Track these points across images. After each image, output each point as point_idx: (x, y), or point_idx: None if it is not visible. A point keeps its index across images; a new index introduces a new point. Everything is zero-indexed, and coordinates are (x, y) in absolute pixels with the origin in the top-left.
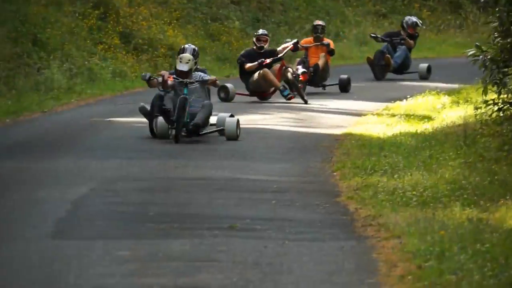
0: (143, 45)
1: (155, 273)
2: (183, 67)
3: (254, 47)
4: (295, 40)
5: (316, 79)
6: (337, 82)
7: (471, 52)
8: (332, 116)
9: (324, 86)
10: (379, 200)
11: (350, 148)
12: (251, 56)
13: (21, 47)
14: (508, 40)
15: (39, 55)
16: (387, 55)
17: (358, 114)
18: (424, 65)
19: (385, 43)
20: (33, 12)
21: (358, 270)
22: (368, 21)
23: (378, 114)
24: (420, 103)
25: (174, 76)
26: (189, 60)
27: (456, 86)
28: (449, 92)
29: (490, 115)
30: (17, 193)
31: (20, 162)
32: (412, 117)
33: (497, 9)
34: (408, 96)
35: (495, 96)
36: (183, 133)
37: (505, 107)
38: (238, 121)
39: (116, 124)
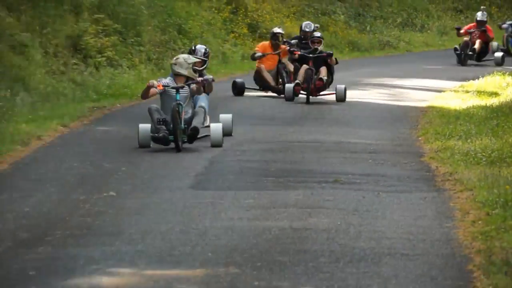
0: (266, 34)
1: (274, 217)
2: (182, 71)
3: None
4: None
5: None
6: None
7: None
8: (418, 92)
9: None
10: (455, 160)
11: (432, 118)
12: (305, 57)
13: (169, 35)
14: None
15: (182, 41)
16: None
17: (439, 91)
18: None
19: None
20: (178, 7)
21: (438, 216)
22: (448, 15)
23: (455, 91)
24: (489, 82)
25: (163, 83)
26: (188, 64)
27: None
28: None
29: None
30: (165, 154)
31: None
32: (482, 93)
33: None
34: (480, 76)
35: None
36: (183, 140)
37: None
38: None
39: (246, 97)
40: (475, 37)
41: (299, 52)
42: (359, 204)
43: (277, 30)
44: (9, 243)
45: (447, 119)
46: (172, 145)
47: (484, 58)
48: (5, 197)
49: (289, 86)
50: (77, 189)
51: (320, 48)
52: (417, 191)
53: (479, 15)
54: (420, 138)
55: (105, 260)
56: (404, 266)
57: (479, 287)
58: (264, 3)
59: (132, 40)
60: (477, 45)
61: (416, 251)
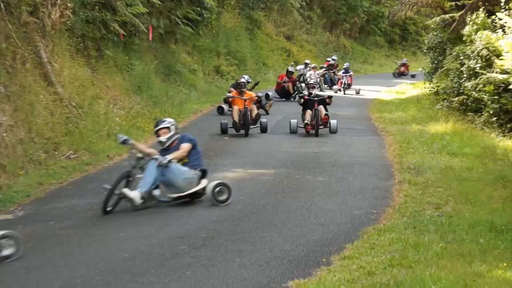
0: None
1: (305, 147)
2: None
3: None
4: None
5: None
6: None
7: (420, 69)
8: (369, 93)
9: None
10: (386, 122)
11: (375, 103)
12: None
13: (259, 65)
14: (433, 65)
15: (264, 69)
16: None
17: (379, 91)
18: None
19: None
20: (263, 53)
21: (378, 146)
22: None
23: (385, 92)
24: (400, 88)
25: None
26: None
27: (415, 81)
28: (412, 83)
29: (427, 92)
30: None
31: None
32: (397, 92)
33: (429, 53)
34: (396, 85)
35: (428, 85)
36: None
37: (431, 89)
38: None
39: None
40: (287, 82)
41: (306, 97)
42: (343, 141)
43: (240, 80)
44: None
45: (382, 104)
46: None
47: (293, 95)
48: None
49: (293, 121)
50: (217, 132)
51: (315, 91)
52: (369, 135)
53: (289, 68)
54: (370, 112)
55: (230, 165)
56: (363, 169)
57: (396, 178)
58: (302, 51)
59: (242, 68)
60: (290, 88)
61: (368, 162)
